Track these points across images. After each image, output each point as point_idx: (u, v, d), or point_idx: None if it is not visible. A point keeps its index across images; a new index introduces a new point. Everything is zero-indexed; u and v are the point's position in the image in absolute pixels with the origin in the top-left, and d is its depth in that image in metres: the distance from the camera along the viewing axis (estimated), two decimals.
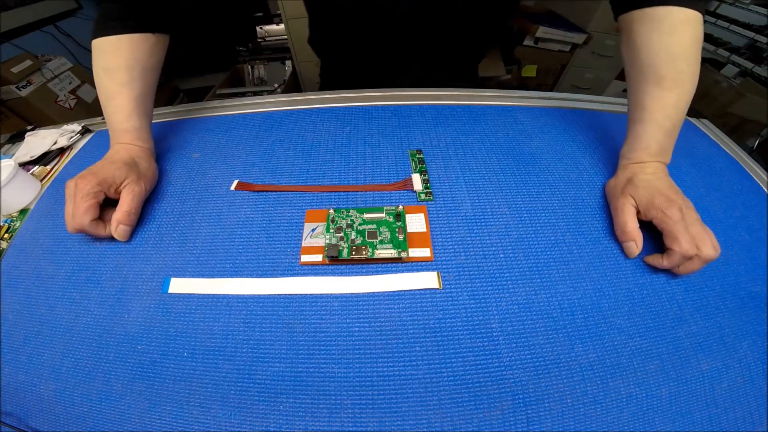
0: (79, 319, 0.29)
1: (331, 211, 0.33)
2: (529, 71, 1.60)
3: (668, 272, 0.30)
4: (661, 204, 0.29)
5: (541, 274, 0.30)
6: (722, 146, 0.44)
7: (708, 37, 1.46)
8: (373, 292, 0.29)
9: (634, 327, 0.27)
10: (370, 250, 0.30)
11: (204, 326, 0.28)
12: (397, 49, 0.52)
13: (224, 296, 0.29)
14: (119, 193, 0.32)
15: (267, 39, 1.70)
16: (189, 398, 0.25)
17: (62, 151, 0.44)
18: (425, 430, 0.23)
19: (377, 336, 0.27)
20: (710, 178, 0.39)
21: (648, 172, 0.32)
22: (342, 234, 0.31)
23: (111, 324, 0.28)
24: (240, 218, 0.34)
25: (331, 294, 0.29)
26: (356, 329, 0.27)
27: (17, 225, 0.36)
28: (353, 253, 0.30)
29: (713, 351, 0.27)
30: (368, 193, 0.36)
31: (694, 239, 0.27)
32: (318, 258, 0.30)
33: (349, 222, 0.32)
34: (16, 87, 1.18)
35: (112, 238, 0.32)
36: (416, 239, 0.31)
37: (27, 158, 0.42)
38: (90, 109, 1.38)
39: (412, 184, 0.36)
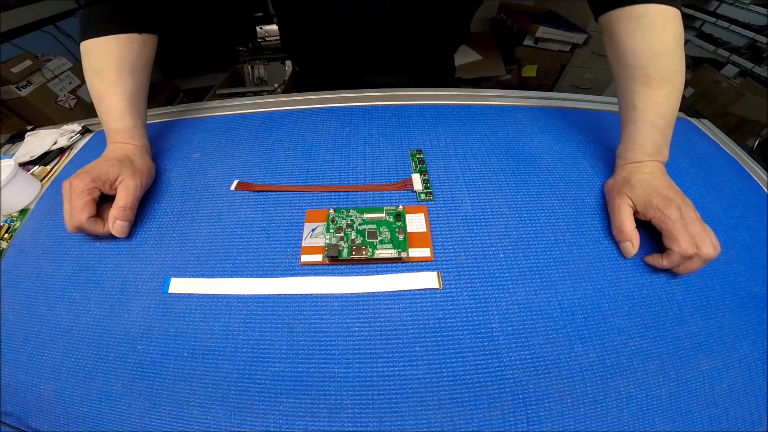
0: (79, 319, 0.29)
1: (331, 211, 0.33)
2: (529, 71, 1.60)
3: (668, 272, 0.30)
4: (659, 203, 0.29)
5: (541, 274, 0.30)
6: (722, 146, 0.44)
7: (708, 37, 1.46)
8: (373, 292, 0.29)
9: (634, 327, 0.27)
10: (370, 250, 0.30)
11: (204, 326, 0.28)
12: (370, 48, 0.51)
13: (224, 296, 0.29)
14: (115, 189, 0.32)
15: (267, 39, 1.70)
16: (189, 398, 0.25)
17: (62, 151, 0.44)
18: (425, 430, 0.23)
19: (377, 336, 0.27)
20: (710, 178, 0.39)
21: (645, 172, 0.32)
22: (342, 234, 0.31)
23: (111, 324, 0.28)
24: (240, 218, 0.34)
25: (331, 294, 0.29)
26: (356, 329, 0.27)
27: (17, 225, 0.36)
28: (353, 253, 0.30)
29: (713, 351, 0.27)
30: (368, 193, 0.36)
31: (694, 238, 0.27)
32: (318, 258, 0.30)
33: (349, 222, 0.32)
34: (16, 87, 1.18)
35: (111, 236, 0.32)
36: (416, 239, 0.31)
37: (27, 158, 0.42)
38: (90, 109, 1.37)
39: (412, 184, 0.36)
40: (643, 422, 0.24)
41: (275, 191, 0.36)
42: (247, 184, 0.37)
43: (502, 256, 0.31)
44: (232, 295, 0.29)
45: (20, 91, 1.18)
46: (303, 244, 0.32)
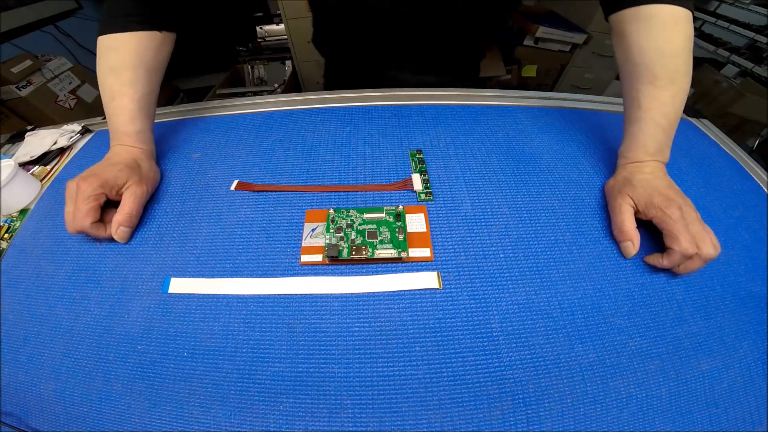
0: (79, 319, 0.29)
1: (331, 211, 0.33)
2: (529, 71, 1.60)
3: (668, 272, 0.30)
4: (661, 203, 0.29)
5: (541, 274, 0.30)
6: (722, 146, 0.44)
7: (708, 37, 1.46)
8: (373, 292, 0.29)
9: (634, 327, 0.27)
10: (370, 250, 0.30)
11: (204, 326, 0.28)
12: (400, 48, 0.52)
13: (224, 296, 0.29)
14: (120, 195, 0.32)
15: (267, 39, 1.70)
16: (189, 398, 0.25)
17: (62, 151, 0.44)
18: (425, 430, 0.23)
19: (377, 336, 0.27)
20: (710, 178, 0.39)
21: (646, 172, 0.32)
22: (342, 234, 0.31)
23: (111, 324, 0.28)
24: (240, 218, 0.34)
25: (331, 294, 0.29)
26: (356, 329, 0.27)
27: (17, 225, 0.36)
28: (353, 253, 0.30)
29: (713, 351, 0.26)
30: (368, 193, 0.36)
31: (694, 238, 0.27)
32: (318, 258, 0.30)
33: (349, 222, 0.32)
34: (16, 87, 1.18)
35: (112, 239, 0.32)
36: (416, 239, 0.31)
37: (27, 158, 0.42)
38: (90, 109, 1.39)
39: (412, 184, 0.36)
40: (643, 422, 0.24)
41: (275, 191, 0.36)
42: (247, 184, 0.37)
43: (502, 256, 0.31)
44: (232, 295, 0.29)
45: (20, 91, 1.19)
46: (303, 244, 0.32)
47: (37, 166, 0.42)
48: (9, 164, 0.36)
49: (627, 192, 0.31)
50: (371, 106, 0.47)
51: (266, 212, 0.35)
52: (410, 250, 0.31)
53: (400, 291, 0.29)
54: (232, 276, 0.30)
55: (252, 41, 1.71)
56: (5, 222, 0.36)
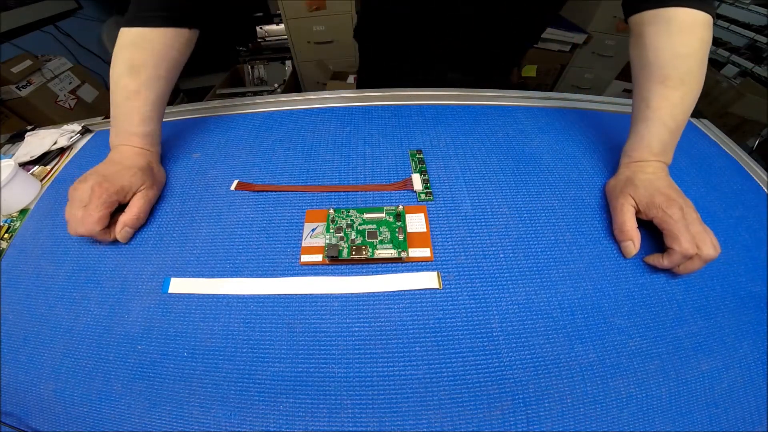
0: (79, 319, 0.29)
1: (331, 211, 0.33)
2: (529, 71, 1.60)
3: (668, 272, 0.30)
4: (662, 203, 0.29)
5: (541, 274, 0.30)
6: (722, 146, 0.44)
7: None
8: (373, 292, 0.29)
9: (634, 327, 0.27)
10: (370, 250, 0.30)
11: (204, 326, 0.28)
12: (454, 47, 0.51)
13: (224, 296, 0.29)
14: (130, 198, 0.32)
15: (267, 39, 1.71)
16: (189, 398, 0.25)
17: (62, 151, 0.44)
18: (425, 430, 0.23)
19: (377, 336, 0.27)
20: (710, 178, 0.39)
21: (648, 172, 0.32)
22: (342, 234, 0.31)
23: (111, 324, 0.28)
24: (240, 218, 0.34)
25: (331, 294, 0.29)
26: (356, 329, 0.27)
27: (17, 225, 0.36)
28: (353, 253, 0.30)
29: (713, 351, 0.27)
30: (368, 193, 0.36)
31: (695, 238, 0.27)
32: (318, 258, 0.30)
33: (349, 222, 0.32)
34: (16, 87, 1.18)
35: (113, 240, 0.32)
36: (416, 239, 0.31)
37: (27, 158, 0.42)
38: (90, 109, 1.39)
39: (412, 184, 0.36)
40: (643, 422, 0.24)
41: (275, 191, 0.36)
42: (247, 184, 0.37)
43: (502, 256, 0.31)
44: (232, 295, 0.29)
45: (20, 91, 1.19)
46: (303, 244, 0.32)
47: (37, 166, 0.42)
48: (9, 164, 0.36)
49: (629, 192, 0.31)
50: (371, 106, 0.47)
51: (266, 212, 0.35)
52: (410, 250, 0.31)
53: (400, 291, 0.29)
54: (232, 276, 0.30)
55: (252, 41, 1.71)
56: (5, 222, 0.36)
